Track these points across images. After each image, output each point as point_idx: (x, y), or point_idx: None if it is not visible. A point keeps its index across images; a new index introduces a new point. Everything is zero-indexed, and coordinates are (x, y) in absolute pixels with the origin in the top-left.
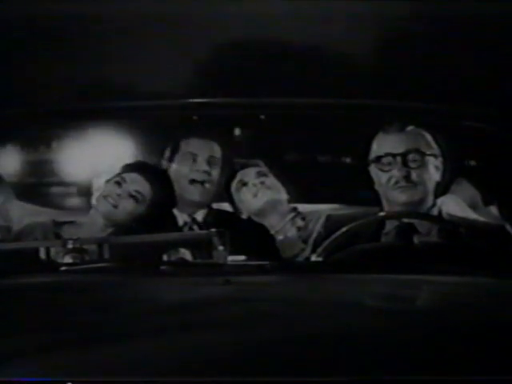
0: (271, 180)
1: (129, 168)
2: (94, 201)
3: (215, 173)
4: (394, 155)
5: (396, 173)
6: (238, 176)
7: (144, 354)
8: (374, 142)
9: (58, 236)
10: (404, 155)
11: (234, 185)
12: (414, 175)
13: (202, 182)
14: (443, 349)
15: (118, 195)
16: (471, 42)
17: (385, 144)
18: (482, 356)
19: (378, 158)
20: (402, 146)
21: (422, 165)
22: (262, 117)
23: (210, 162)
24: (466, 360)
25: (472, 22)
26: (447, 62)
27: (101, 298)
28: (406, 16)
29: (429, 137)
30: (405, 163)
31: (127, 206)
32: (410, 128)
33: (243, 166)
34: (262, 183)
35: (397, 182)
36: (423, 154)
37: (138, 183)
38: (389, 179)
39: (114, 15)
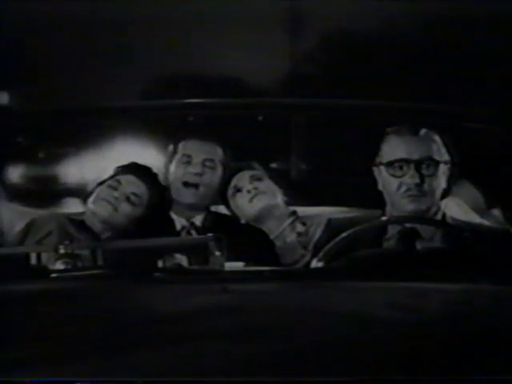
0: (266, 184)
1: (123, 170)
2: (90, 204)
3: (212, 175)
4: (407, 161)
5: (408, 180)
6: (233, 181)
7: (136, 364)
8: (384, 144)
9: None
10: (418, 162)
11: (229, 190)
12: (425, 184)
13: (195, 185)
14: (446, 359)
15: (116, 198)
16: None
17: (398, 148)
18: (486, 365)
19: (391, 163)
20: (417, 151)
21: (434, 173)
22: (260, 118)
23: (205, 164)
24: (469, 369)
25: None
26: (453, 63)
27: (92, 307)
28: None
29: (439, 141)
30: (418, 170)
31: (125, 209)
32: (422, 131)
33: (237, 170)
34: (256, 188)
35: (408, 190)
36: (436, 162)
37: (134, 185)
38: (399, 186)
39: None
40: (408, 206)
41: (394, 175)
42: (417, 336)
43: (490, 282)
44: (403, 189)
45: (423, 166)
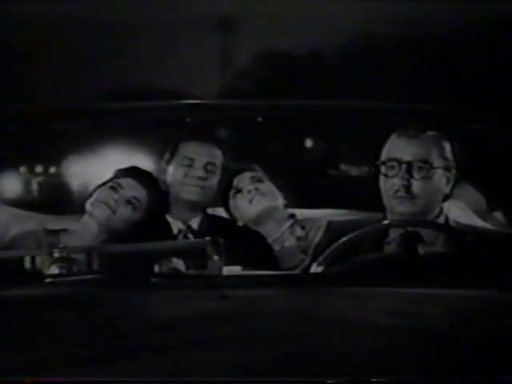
0: (267, 185)
1: (123, 173)
2: (88, 206)
3: (213, 179)
4: (399, 161)
5: (397, 181)
6: (234, 182)
7: (131, 374)
8: (385, 145)
9: (51, 245)
10: (410, 163)
11: (230, 191)
12: (415, 187)
13: (198, 187)
14: (449, 365)
15: (116, 201)
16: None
17: (393, 148)
18: (488, 371)
19: (384, 163)
20: (410, 153)
21: (428, 176)
22: (260, 119)
23: (207, 168)
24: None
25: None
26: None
27: (88, 312)
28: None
29: (446, 145)
30: (409, 172)
31: (124, 213)
32: (427, 134)
33: (238, 172)
34: (257, 189)
35: (397, 191)
36: (431, 166)
37: (134, 189)
38: (390, 186)
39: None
40: (398, 208)
41: (386, 175)
42: (419, 342)
43: (494, 286)
44: (393, 189)
45: (414, 167)
